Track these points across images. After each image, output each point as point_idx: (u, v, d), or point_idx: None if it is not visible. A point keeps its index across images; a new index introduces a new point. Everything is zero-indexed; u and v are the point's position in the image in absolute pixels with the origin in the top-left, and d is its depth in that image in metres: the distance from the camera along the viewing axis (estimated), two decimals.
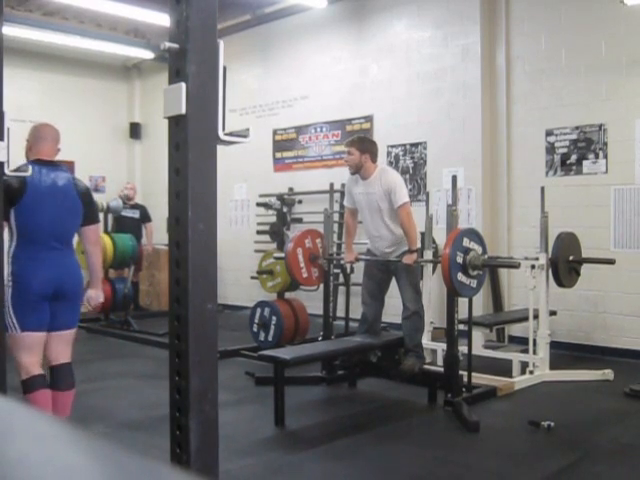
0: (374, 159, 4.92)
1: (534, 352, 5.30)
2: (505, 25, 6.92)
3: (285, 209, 7.19)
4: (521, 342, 6.09)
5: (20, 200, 3.25)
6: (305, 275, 5.46)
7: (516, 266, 4.95)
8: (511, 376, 5.24)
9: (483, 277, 4.61)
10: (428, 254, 5.71)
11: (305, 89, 8.61)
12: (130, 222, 8.62)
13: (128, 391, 5.09)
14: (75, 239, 3.61)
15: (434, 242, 6.10)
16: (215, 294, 1.64)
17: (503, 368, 5.33)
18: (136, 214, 8.81)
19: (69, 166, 10.13)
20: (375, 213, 4.86)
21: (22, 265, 3.28)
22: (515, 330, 6.54)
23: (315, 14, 8.30)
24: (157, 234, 8.73)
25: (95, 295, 3.67)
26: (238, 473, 3.33)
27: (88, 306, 3.73)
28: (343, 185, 6.37)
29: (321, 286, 5.60)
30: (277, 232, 7.02)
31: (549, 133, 6.61)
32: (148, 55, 9.89)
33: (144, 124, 11.05)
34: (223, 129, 1.62)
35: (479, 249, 4.50)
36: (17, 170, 2.89)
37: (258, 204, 7.53)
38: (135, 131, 11.08)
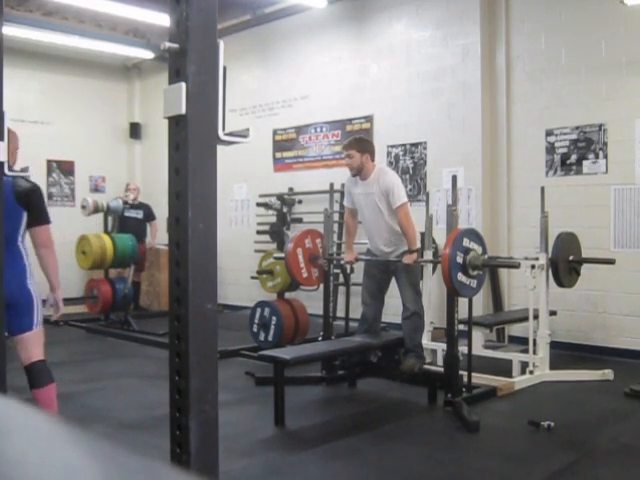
0: (373, 158, 4.92)
1: (534, 352, 5.30)
2: (505, 25, 6.92)
3: (285, 209, 7.19)
4: (521, 342, 6.09)
5: None
6: (305, 275, 5.46)
7: (516, 266, 4.95)
8: (511, 376, 5.24)
9: (483, 277, 4.61)
10: (428, 254, 5.71)
11: (305, 89, 8.61)
12: (134, 222, 8.62)
13: (128, 391, 5.09)
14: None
15: (434, 242, 6.10)
16: (215, 294, 1.64)
17: (503, 368, 5.33)
18: (139, 214, 8.80)
19: (69, 166, 10.15)
20: (375, 213, 4.86)
21: None
22: (515, 330, 6.54)
23: (315, 14, 8.30)
24: (158, 234, 8.74)
25: (53, 302, 3.53)
26: (238, 473, 3.33)
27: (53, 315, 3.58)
28: (343, 185, 6.37)
29: (321, 286, 5.60)
30: (277, 232, 7.02)
31: (549, 133, 6.61)
32: (148, 55, 9.90)
33: (144, 124, 11.05)
34: (223, 129, 1.62)
35: (479, 249, 4.50)
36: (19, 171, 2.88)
37: (258, 204, 7.53)
38: (135, 131, 11.08)
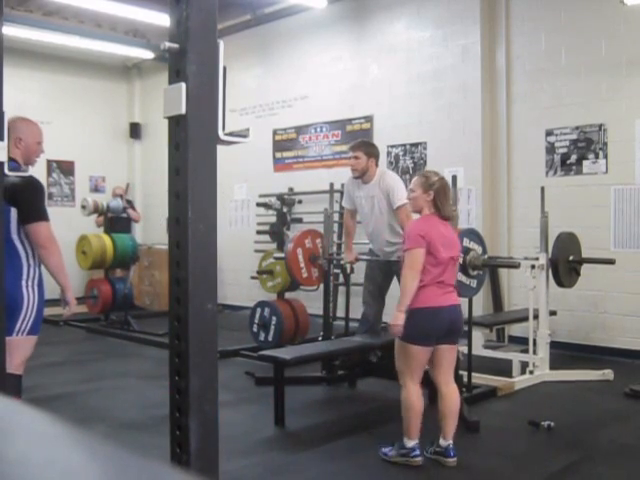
0: (377, 163, 4.96)
1: (534, 352, 5.30)
2: (505, 25, 6.92)
3: (285, 209, 7.19)
4: (521, 342, 6.09)
5: None
6: (305, 275, 5.46)
7: (516, 266, 4.95)
8: (511, 376, 5.24)
9: (483, 277, 4.62)
10: None
11: (305, 89, 8.61)
12: (124, 221, 8.55)
13: (128, 391, 5.09)
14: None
15: None
16: (215, 294, 1.64)
17: (503, 368, 5.33)
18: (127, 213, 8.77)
19: (69, 166, 10.15)
20: (377, 215, 4.88)
21: None
22: (515, 330, 6.54)
23: (315, 14, 8.30)
24: (157, 234, 8.73)
25: (65, 302, 3.38)
26: (238, 473, 3.33)
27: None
28: (343, 185, 6.37)
29: (321, 286, 5.60)
30: (277, 232, 7.02)
31: (549, 133, 6.61)
32: (148, 55, 9.89)
33: (144, 124, 11.05)
34: (223, 129, 1.62)
35: (479, 249, 4.50)
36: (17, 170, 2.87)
37: (258, 204, 7.53)
38: (135, 131, 11.08)
